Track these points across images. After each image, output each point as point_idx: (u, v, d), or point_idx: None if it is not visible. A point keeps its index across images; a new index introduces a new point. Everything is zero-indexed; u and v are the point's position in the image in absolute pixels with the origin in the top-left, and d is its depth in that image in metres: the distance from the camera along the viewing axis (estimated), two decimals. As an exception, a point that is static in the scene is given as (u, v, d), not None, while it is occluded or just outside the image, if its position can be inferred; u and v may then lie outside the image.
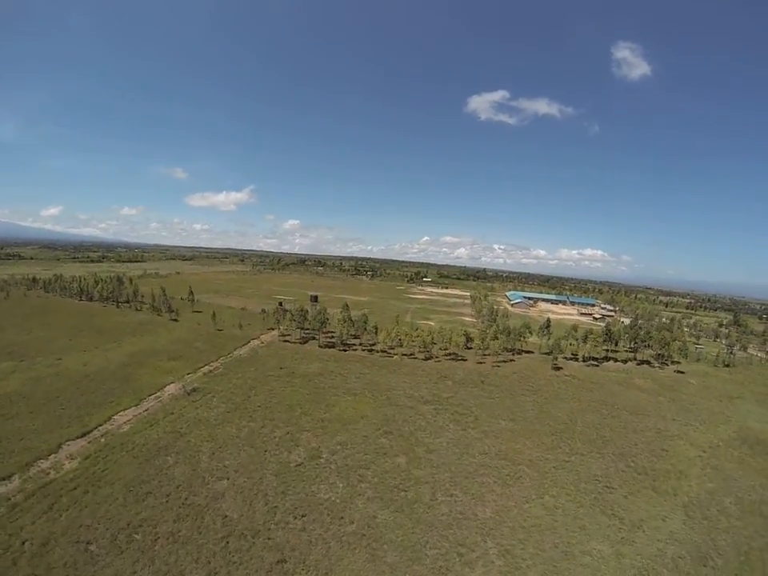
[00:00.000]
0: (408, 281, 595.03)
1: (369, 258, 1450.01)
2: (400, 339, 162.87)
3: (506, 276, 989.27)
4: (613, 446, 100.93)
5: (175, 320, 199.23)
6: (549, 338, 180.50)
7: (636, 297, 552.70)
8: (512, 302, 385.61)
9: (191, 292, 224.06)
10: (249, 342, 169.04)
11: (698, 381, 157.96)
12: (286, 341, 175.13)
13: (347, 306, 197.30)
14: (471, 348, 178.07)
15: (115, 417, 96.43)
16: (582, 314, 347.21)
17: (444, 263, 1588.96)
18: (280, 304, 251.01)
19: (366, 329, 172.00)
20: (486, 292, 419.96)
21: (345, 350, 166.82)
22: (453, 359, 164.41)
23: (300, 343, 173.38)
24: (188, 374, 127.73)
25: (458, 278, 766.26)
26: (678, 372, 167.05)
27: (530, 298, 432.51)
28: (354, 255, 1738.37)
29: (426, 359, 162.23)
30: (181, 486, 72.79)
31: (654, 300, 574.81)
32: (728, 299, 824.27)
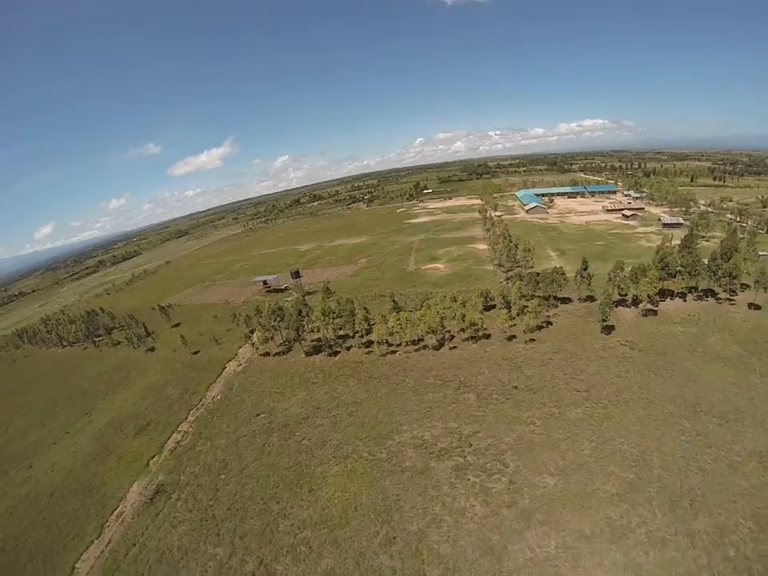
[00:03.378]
0: (408, 198, 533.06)
1: (367, 174, 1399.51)
2: (401, 327, 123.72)
3: (509, 164, 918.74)
4: (704, 517, 64.99)
5: (152, 349, 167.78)
6: (590, 284, 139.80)
7: (654, 172, 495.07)
8: (526, 207, 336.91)
9: (162, 308, 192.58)
10: (224, 368, 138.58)
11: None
12: (266, 353, 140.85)
13: (328, 289, 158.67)
14: (493, 306, 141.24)
15: (78, 566, 76.20)
16: (608, 210, 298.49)
17: (443, 161, 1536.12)
18: (264, 283, 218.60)
19: (354, 320, 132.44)
20: (494, 201, 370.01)
21: (336, 353, 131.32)
22: (472, 338, 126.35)
23: (282, 353, 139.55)
24: (152, 457, 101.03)
25: (460, 179, 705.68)
26: (755, 307, 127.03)
27: (543, 195, 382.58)
28: (351, 174, 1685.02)
29: (439, 346, 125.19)
30: None
31: (674, 171, 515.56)
32: (745, 155, 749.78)
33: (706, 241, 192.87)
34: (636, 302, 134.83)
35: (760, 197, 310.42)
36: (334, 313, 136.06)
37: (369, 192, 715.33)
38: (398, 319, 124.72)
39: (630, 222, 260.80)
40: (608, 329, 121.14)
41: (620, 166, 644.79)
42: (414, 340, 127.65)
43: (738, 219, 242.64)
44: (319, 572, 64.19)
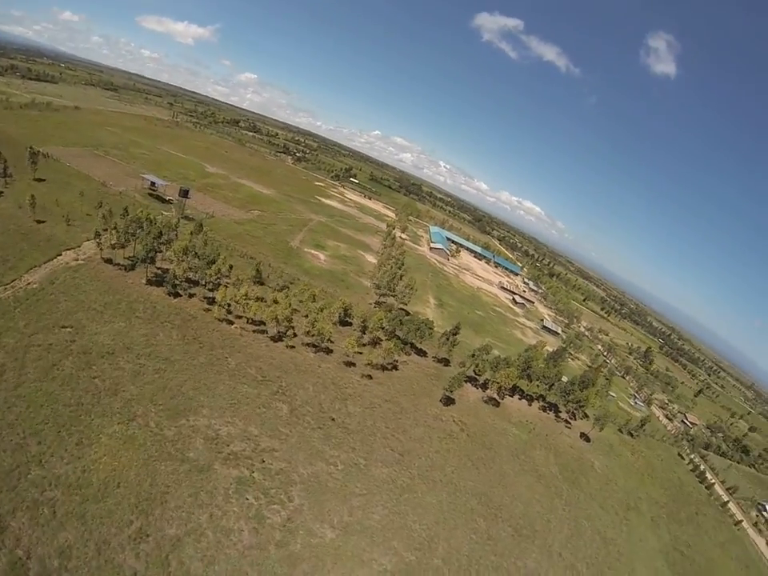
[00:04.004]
0: (332, 177, 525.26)
1: (314, 135, 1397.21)
2: (247, 302, 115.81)
3: (440, 198, 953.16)
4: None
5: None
6: (451, 348, 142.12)
7: (558, 276, 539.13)
8: (432, 244, 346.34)
9: (32, 152, 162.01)
10: (60, 254, 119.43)
11: (601, 463, 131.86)
12: (109, 260, 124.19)
13: (201, 226, 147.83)
14: (350, 323, 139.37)
15: None
16: (503, 287, 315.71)
17: (386, 162, 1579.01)
18: (153, 184, 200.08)
19: (209, 268, 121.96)
20: (406, 220, 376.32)
21: (177, 295, 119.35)
22: (314, 347, 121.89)
23: (125, 268, 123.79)
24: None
25: (389, 187, 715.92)
26: (585, 439, 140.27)
27: (453, 242, 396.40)
28: (301, 127, 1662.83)
29: (277, 339, 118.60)
30: None
31: (574, 284, 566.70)
32: (633, 304, 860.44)
33: (572, 360, 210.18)
34: (485, 385, 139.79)
35: (629, 343, 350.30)
36: (195, 252, 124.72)
37: (303, 152, 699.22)
38: (247, 293, 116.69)
39: (516, 308, 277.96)
40: (449, 400, 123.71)
41: (533, 254, 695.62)
42: (256, 321, 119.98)
43: (606, 355, 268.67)
44: (54, 546, 53.55)
